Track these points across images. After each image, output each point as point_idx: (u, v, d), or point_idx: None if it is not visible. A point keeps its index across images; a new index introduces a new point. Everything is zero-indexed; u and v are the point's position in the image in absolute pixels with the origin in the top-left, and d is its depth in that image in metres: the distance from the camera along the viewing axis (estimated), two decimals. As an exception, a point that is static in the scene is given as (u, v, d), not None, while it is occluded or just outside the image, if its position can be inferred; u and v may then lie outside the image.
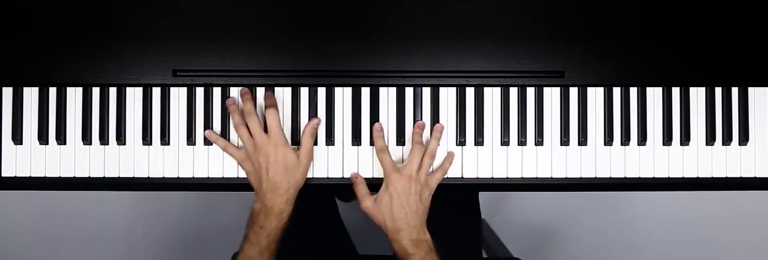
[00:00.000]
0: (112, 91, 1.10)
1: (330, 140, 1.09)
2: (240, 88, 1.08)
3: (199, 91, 1.10)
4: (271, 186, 1.02)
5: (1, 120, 1.09)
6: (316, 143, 1.09)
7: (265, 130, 1.05)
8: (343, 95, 1.10)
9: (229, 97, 1.09)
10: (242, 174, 1.09)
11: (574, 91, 1.11)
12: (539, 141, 1.10)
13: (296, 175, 1.03)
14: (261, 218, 1.02)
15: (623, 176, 1.10)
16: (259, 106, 1.08)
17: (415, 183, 1.03)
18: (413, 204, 1.03)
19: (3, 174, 1.09)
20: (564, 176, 1.10)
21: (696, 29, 1.09)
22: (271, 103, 1.06)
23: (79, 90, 1.10)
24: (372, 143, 1.09)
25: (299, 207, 1.28)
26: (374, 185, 1.08)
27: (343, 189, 1.09)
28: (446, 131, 1.10)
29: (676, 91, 1.11)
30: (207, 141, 1.09)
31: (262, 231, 1.02)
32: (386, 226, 1.03)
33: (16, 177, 1.09)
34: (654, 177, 1.10)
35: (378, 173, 1.09)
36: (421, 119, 1.09)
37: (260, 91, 1.09)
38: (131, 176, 1.09)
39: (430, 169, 1.07)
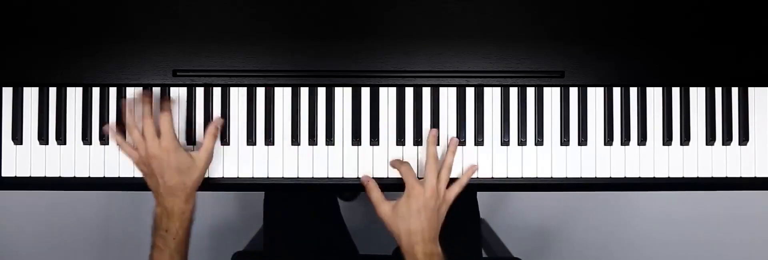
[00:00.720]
0: (112, 91, 1.10)
1: (330, 140, 1.09)
2: (138, 89, 1.07)
3: (199, 91, 1.10)
4: (167, 190, 1.02)
5: (1, 120, 1.09)
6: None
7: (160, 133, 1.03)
8: (343, 95, 1.10)
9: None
10: (243, 174, 1.09)
11: (574, 91, 1.11)
12: (539, 141, 1.10)
13: (192, 176, 1.03)
14: (164, 221, 1.02)
15: (623, 176, 1.10)
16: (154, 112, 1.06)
17: (435, 199, 1.03)
18: (432, 218, 1.02)
19: (3, 174, 1.09)
20: (564, 176, 1.10)
21: (696, 29, 1.09)
22: (166, 107, 1.04)
23: (79, 90, 1.10)
24: (372, 143, 1.09)
25: (300, 207, 1.28)
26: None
27: (343, 188, 1.09)
28: (446, 131, 1.10)
29: (676, 91, 1.11)
30: (207, 141, 1.09)
31: (168, 235, 1.02)
32: (401, 237, 1.03)
33: (16, 177, 1.09)
34: (654, 177, 1.10)
35: (378, 173, 1.09)
36: (421, 119, 1.09)
37: (260, 91, 1.09)
38: (131, 176, 1.09)
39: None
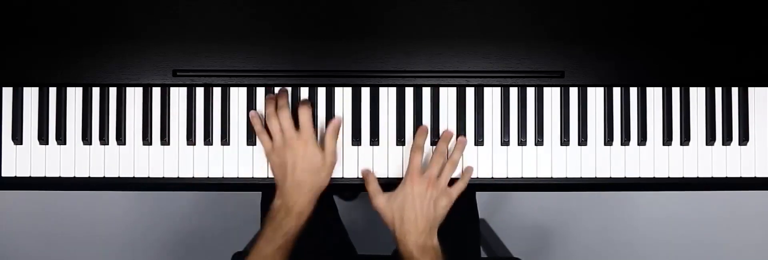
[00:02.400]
0: (112, 91, 1.10)
1: (330, 140, 1.09)
2: (279, 89, 1.08)
3: (199, 91, 1.10)
4: (295, 184, 1.02)
5: (1, 120, 1.09)
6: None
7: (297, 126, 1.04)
8: (343, 95, 1.10)
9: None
10: (243, 174, 1.09)
11: (574, 91, 1.11)
12: (539, 141, 1.10)
13: (321, 176, 1.03)
14: (281, 216, 1.01)
15: (623, 176, 1.10)
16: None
17: (433, 189, 1.03)
18: (426, 208, 1.02)
19: (3, 174, 1.09)
20: (564, 176, 1.10)
21: (696, 29, 1.09)
22: (305, 102, 1.06)
23: (79, 90, 1.10)
24: (372, 143, 1.09)
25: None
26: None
27: (343, 188, 1.09)
28: (446, 131, 1.10)
29: (676, 91, 1.11)
30: (207, 141, 1.09)
31: (280, 230, 1.01)
32: (394, 227, 1.03)
33: (16, 177, 1.09)
34: (654, 177, 1.10)
35: (378, 173, 1.09)
36: (421, 119, 1.09)
37: (260, 91, 1.09)
38: (131, 176, 1.09)
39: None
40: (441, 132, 1.09)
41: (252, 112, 1.08)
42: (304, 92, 1.10)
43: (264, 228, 1.03)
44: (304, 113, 1.04)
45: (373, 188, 1.06)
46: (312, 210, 1.03)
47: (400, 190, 1.04)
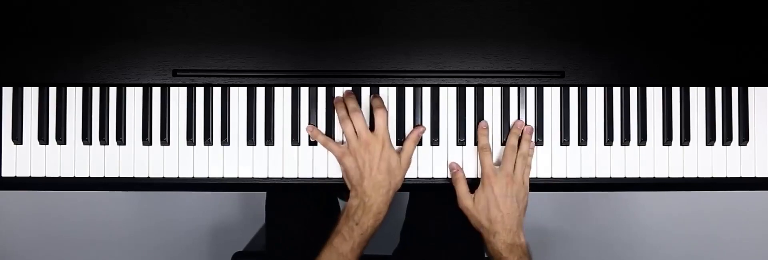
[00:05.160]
0: (112, 91, 1.10)
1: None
2: (345, 89, 1.09)
3: (199, 91, 1.10)
4: (373, 184, 1.02)
5: (1, 120, 1.10)
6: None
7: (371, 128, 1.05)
8: (343, 95, 1.10)
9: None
10: (243, 174, 1.09)
11: (574, 91, 1.11)
12: (539, 141, 1.10)
13: (396, 177, 1.04)
14: (359, 214, 1.02)
15: (623, 176, 1.10)
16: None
17: (512, 186, 1.04)
18: (510, 206, 1.03)
19: (3, 174, 1.10)
20: (564, 176, 1.10)
21: (696, 29, 1.09)
22: (379, 104, 1.06)
23: (79, 90, 1.10)
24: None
25: (301, 208, 1.28)
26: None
27: (343, 189, 1.09)
28: (446, 131, 1.10)
29: (676, 91, 1.11)
30: (207, 141, 1.09)
31: (358, 228, 1.02)
32: (482, 228, 1.05)
33: (16, 177, 1.10)
34: (654, 177, 1.10)
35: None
36: (422, 119, 1.09)
37: (260, 91, 1.10)
38: (131, 176, 1.09)
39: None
40: (442, 130, 1.09)
41: (309, 127, 1.08)
42: (304, 92, 1.10)
43: (339, 226, 1.03)
44: (380, 116, 1.05)
45: (462, 189, 1.06)
46: (386, 212, 1.04)
47: (481, 192, 1.04)
